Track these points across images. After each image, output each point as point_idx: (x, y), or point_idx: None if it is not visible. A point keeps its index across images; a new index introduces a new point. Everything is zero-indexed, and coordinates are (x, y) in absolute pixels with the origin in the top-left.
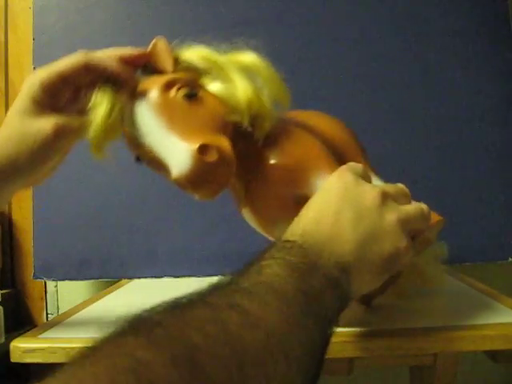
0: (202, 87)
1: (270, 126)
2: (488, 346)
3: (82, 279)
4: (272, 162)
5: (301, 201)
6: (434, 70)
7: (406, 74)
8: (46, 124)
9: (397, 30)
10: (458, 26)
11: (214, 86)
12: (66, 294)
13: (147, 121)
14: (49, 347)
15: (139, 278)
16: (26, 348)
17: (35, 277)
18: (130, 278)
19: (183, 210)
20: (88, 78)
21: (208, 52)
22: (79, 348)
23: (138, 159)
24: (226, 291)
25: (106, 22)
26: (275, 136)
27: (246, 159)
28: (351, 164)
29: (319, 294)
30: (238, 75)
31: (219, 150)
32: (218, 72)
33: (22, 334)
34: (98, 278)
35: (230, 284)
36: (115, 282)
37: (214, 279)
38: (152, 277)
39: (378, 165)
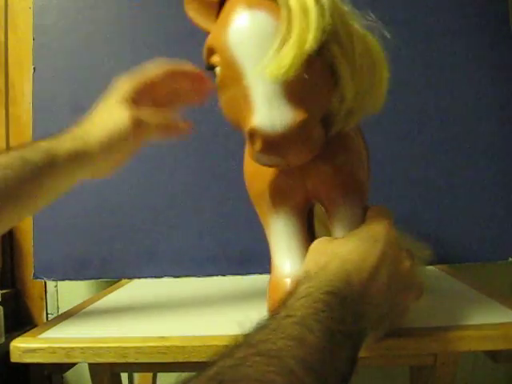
0: (327, 49)
1: (347, 128)
2: (488, 346)
3: (82, 279)
4: (325, 165)
5: (311, 206)
6: (433, 69)
7: (406, 73)
8: (126, 113)
9: (396, 30)
10: (458, 26)
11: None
12: (66, 293)
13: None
14: (49, 347)
15: (139, 278)
16: (25, 348)
17: (35, 277)
18: (130, 278)
19: (183, 210)
20: (172, 84)
21: (346, 12)
22: (79, 348)
23: (211, 68)
24: (272, 361)
25: (106, 22)
26: (339, 137)
27: None
28: (388, 213)
29: (345, 368)
30: (360, 58)
31: (316, 136)
32: (347, 41)
33: (21, 334)
34: (98, 278)
35: (270, 352)
36: (115, 282)
37: (215, 278)
38: (152, 277)
39: (378, 165)
